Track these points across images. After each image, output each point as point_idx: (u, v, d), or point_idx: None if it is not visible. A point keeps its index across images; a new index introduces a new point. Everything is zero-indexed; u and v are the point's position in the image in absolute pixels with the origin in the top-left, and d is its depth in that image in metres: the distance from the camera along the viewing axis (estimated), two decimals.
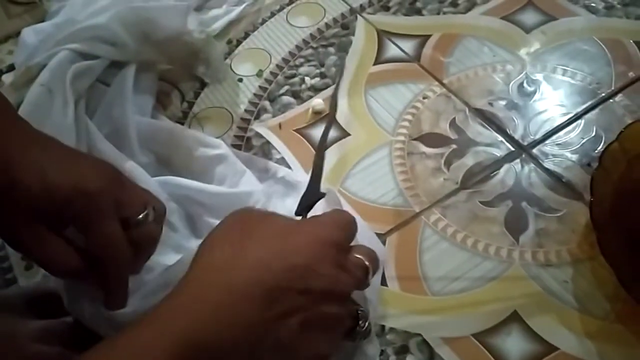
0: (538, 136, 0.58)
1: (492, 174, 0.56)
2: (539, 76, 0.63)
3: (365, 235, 0.51)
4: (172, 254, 0.53)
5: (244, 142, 0.62)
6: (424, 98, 0.63)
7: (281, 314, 0.34)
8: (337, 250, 0.37)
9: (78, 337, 0.46)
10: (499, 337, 0.46)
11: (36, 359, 0.45)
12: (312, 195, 0.46)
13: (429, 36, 0.69)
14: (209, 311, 0.33)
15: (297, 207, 0.45)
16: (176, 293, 0.35)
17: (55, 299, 0.48)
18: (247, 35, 0.72)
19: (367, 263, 0.39)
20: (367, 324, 0.40)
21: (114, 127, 0.59)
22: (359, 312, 0.40)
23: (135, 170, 0.55)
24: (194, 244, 0.53)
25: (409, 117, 0.62)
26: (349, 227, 0.40)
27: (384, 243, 0.53)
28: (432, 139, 0.59)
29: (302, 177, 0.56)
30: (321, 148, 0.52)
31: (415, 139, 0.60)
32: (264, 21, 0.74)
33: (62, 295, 0.48)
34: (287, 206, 0.55)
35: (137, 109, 0.60)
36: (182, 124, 0.64)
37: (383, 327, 0.48)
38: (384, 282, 0.50)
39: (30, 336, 0.46)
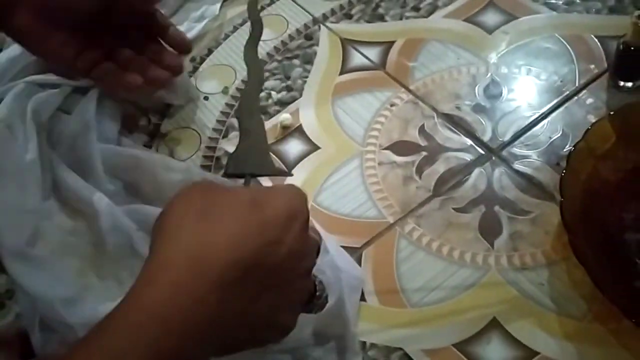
0: (507, 138, 0.58)
1: (464, 179, 0.56)
2: (504, 77, 0.63)
3: (341, 258, 0.51)
4: None
5: (213, 162, 0.61)
6: (391, 105, 0.63)
7: (255, 293, 0.33)
8: (303, 225, 0.36)
9: None
10: (480, 345, 0.46)
11: None
12: (263, 162, 0.43)
13: (393, 42, 0.69)
14: (182, 316, 0.31)
15: (235, 165, 0.41)
16: (145, 281, 0.32)
17: (26, 341, 0.48)
18: (210, 51, 0.72)
19: (316, 236, 0.39)
20: (323, 295, 0.40)
21: (78, 156, 0.57)
22: (316, 284, 0.39)
23: (101, 201, 0.54)
24: None
25: (378, 126, 0.61)
26: (306, 201, 0.39)
27: (360, 257, 0.52)
28: (402, 147, 0.59)
29: None
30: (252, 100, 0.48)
31: (385, 148, 0.59)
32: (226, 36, 0.73)
33: (30, 336, 0.47)
34: None
35: (101, 136, 0.59)
36: (150, 147, 0.63)
37: (364, 343, 0.47)
38: (362, 297, 0.50)
39: None
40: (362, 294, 0.50)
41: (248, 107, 0.47)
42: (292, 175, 0.44)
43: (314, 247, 0.39)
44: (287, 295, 0.36)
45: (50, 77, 0.59)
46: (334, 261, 0.49)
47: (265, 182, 0.57)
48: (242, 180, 0.48)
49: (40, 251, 0.50)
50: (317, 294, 0.40)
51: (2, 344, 0.49)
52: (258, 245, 0.33)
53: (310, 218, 0.39)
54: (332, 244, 0.52)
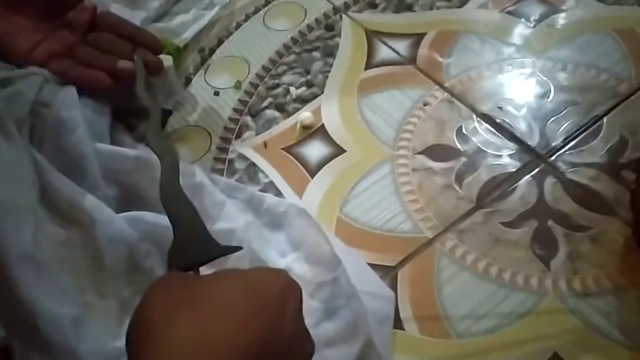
0: (556, 142, 0.52)
1: (511, 189, 0.49)
2: (550, 74, 0.57)
3: (362, 275, 0.45)
4: None
5: (225, 166, 0.54)
6: (424, 105, 0.56)
7: None
8: (299, 303, 0.33)
9: None
10: None
11: None
12: (207, 246, 0.39)
13: (423, 34, 0.62)
14: None
15: (177, 258, 0.38)
16: None
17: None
18: (220, 42, 0.65)
19: None
20: None
21: (68, 157, 0.50)
22: None
23: (97, 208, 0.47)
24: None
25: (410, 127, 0.55)
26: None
27: (395, 277, 0.46)
28: (439, 152, 0.53)
29: (291, 207, 0.49)
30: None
31: (419, 153, 0.53)
32: (238, 25, 0.66)
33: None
34: (276, 242, 0.48)
35: (92, 134, 0.52)
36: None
37: None
38: (399, 324, 0.43)
39: None
40: (400, 320, 0.43)
41: (170, 196, 0.42)
42: (241, 248, 0.39)
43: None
44: None
45: (11, 72, 0.52)
46: (356, 290, 0.43)
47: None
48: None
49: (45, 257, 0.42)
50: None
51: None
52: (258, 332, 0.30)
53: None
54: (355, 262, 0.46)
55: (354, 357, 0.38)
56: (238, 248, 0.39)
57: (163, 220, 0.47)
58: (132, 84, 0.53)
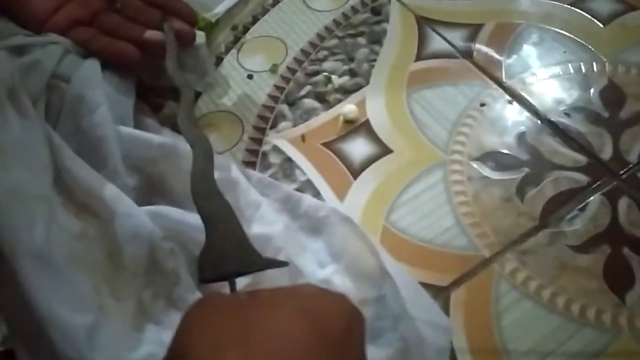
0: (631, 158, 0.47)
1: (580, 208, 0.44)
2: (624, 80, 0.51)
3: (416, 297, 0.40)
4: (171, 313, 0.40)
5: (258, 159, 0.49)
6: (481, 105, 0.51)
7: None
8: (363, 336, 0.28)
9: None
10: None
11: None
12: (247, 255, 0.34)
13: (481, 25, 0.57)
14: None
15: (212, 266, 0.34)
16: None
17: None
18: (255, 20, 0.59)
19: None
20: None
21: (86, 141, 0.45)
22: None
23: (117, 198, 0.42)
24: None
25: (466, 129, 0.50)
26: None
27: (447, 299, 0.41)
28: (498, 160, 0.47)
29: (333, 212, 0.44)
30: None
31: (475, 159, 0.48)
32: (275, 2, 0.60)
33: None
34: (314, 251, 0.43)
35: (114, 115, 0.47)
36: (179, 132, 0.51)
37: None
38: (452, 355, 0.39)
39: None
40: (452, 351, 0.39)
41: (203, 191, 0.37)
42: (287, 264, 0.34)
43: None
44: None
45: (28, 39, 0.46)
46: (412, 312, 0.38)
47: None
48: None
49: (58, 254, 0.37)
50: None
51: None
52: None
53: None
54: (408, 282, 0.41)
55: None
56: (283, 263, 0.34)
57: (190, 218, 0.42)
58: (160, 59, 0.48)
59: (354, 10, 0.59)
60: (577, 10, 0.57)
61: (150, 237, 0.41)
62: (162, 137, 0.46)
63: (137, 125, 0.48)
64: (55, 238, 0.39)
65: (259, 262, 0.34)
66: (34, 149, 0.41)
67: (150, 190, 0.46)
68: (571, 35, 0.55)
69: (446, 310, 0.40)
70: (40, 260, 0.36)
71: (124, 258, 0.40)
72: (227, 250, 0.35)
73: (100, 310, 0.38)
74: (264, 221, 0.43)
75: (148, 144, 0.45)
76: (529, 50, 0.54)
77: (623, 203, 0.44)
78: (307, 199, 0.45)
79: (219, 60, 0.56)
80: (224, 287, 0.37)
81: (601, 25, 0.55)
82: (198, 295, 0.42)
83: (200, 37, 0.50)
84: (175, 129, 0.51)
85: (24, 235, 0.36)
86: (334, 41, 0.57)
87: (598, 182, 0.46)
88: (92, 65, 0.46)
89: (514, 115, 0.50)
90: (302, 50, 0.56)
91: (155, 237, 0.41)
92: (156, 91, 0.52)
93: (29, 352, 0.36)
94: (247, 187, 0.44)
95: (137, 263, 0.41)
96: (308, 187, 0.47)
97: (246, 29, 0.58)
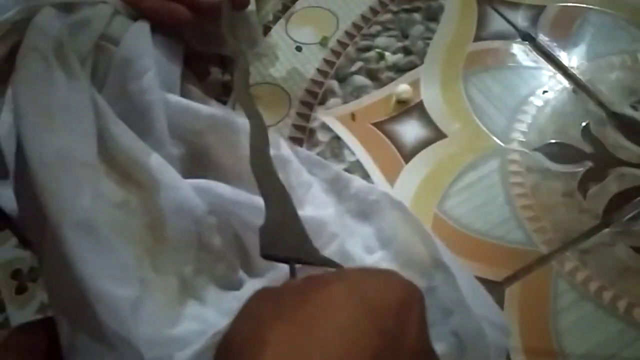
0: None
1: None
2: None
3: (473, 292, 0.38)
4: (212, 291, 0.39)
5: (305, 136, 0.48)
6: (544, 93, 0.49)
7: None
8: (423, 316, 0.27)
9: None
10: None
11: None
12: (304, 244, 0.33)
13: (544, 7, 0.54)
14: None
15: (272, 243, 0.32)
16: None
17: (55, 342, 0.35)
18: None
19: None
20: None
21: (131, 107, 0.43)
22: None
23: (162, 168, 0.40)
24: (248, 284, 0.40)
25: (526, 118, 0.47)
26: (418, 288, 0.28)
27: (502, 295, 0.39)
28: (560, 152, 0.45)
29: (383, 196, 0.43)
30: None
31: (536, 150, 0.46)
32: None
33: (63, 346, 0.35)
34: (362, 235, 0.42)
35: (161, 82, 0.45)
36: (224, 102, 0.49)
37: None
38: (507, 356, 0.37)
39: None
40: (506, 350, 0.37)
41: (261, 165, 0.35)
42: (342, 267, 0.33)
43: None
44: None
45: None
46: (470, 305, 0.36)
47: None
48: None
49: (101, 225, 0.36)
50: None
51: (24, 339, 0.37)
52: (376, 344, 0.24)
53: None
54: (463, 275, 0.39)
55: None
56: (339, 266, 0.33)
57: (236, 194, 0.41)
58: (210, 24, 0.46)
59: None
60: None
61: (195, 212, 0.39)
62: (211, 109, 0.45)
63: (183, 94, 0.47)
64: (98, 207, 0.38)
65: (317, 257, 0.32)
66: (80, 113, 0.40)
67: (194, 162, 0.44)
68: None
69: (500, 306, 0.39)
70: (85, 229, 0.35)
71: (166, 231, 0.39)
72: (287, 234, 0.34)
73: (143, 284, 0.37)
74: (315, 203, 0.41)
75: (196, 114, 0.44)
76: (594, 37, 0.52)
77: None
78: (357, 180, 0.44)
79: (266, 30, 0.54)
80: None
81: None
82: (241, 274, 0.41)
83: (251, 4, 0.48)
84: (220, 99, 0.49)
85: (70, 203, 0.35)
86: (388, 16, 0.55)
87: None
88: (142, 29, 0.44)
89: (578, 105, 0.48)
90: (354, 23, 0.54)
91: (199, 211, 0.40)
92: (201, 59, 0.51)
93: (69, 322, 0.35)
94: (298, 166, 0.42)
95: (180, 237, 0.39)
96: (357, 168, 0.46)
97: None
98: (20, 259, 0.43)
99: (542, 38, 0.52)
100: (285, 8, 0.56)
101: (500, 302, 0.39)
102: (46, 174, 0.37)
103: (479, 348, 0.35)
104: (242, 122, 0.44)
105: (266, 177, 0.36)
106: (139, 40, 0.44)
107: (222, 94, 0.50)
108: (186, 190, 0.40)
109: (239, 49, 0.45)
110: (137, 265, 0.38)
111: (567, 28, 0.52)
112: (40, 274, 0.43)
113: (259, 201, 0.37)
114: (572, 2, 0.54)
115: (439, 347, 0.36)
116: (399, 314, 0.25)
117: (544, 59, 0.51)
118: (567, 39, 0.52)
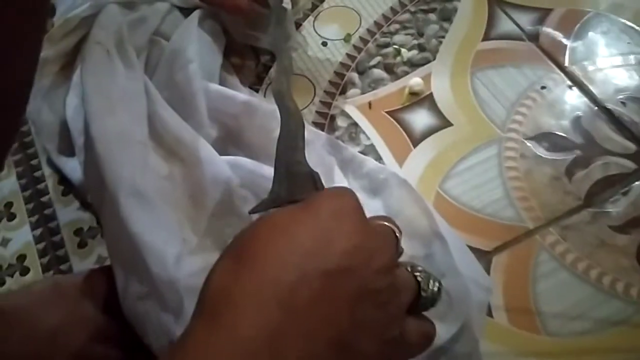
0: None
1: (624, 192, 0.49)
2: None
3: (464, 257, 0.46)
4: None
5: (327, 121, 0.56)
6: (542, 88, 0.56)
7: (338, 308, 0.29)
8: (358, 217, 0.32)
9: (134, 341, 0.43)
10: None
11: (84, 358, 0.42)
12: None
13: (550, 10, 0.61)
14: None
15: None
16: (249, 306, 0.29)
17: (112, 285, 0.44)
18: None
19: (390, 225, 0.35)
20: (430, 286, 0.34)
21: (178, 94, 0.52)
22: (417, 275, 0.34)
23: (201, 146, 0.49)
24: None
25: (524, 110, 0.55)
26: (354, 195, 0.34)
27: (489, 263, 0.47)
28: (552, 141, 0.53)
29: (392, 175, 0.50)
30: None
31: (530, 139, 0.53)
32: None
33: (118, 289, 0.44)
34: (371, 208, 0.50)
35: (203, 72, 0.54)
36: (257, 91, 0.58)
37: None
38: (488, 311, 0.45)
39: (84, 331, 0.43)
40: (489, 307, 0.45)
41: (291, 158, 0.39)
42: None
43: (386, 239, 0.33)
44: (373, 302, 0.31)
45: None
46: (460, 269, 0.44)
47: None
48: None
49: (150, 193, 0.45)
50: (422, 287, 0.35)
51: (84, 286, 0.46)
52: (299, 257, 0.29)
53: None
54: (457, 243, 0.47)
55: (450, 336, 0.40)
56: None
57: (264, 169, 0.49)
58: (252, 25, 0.55)
59: None
60: None
61: (228, 184, 0.48)
62: (245, 96, 0.53)
63: (221, 82, 0.56)
64: (148, 178, 0.46)
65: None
66: (135, 98, 0.49)
67: (229, 141, 0.53)
68: (638, 28, 0.59)
69: (487, 271, 0.46)
70: (137, 196, 0.44)
71: (204, 200, 0.48)
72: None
73: (184, 243, 0.45)
74: (333, 179, 0.49)
75: (232, 100, 0.53)
76: (594, 39, 0.58)
77: None
78: (370, 161, 0.52)
79: (296, 26, 0.62)
80: None
81: None
82: None
83: (287, 2, 0.57)
84: (253, 87, 0.58)
85: (125, 174, 0.44)
86: (406, 15, 0.62)
87: None
88: (190, 26, 0.53)
89: (572, 100, 0.55)
90: (375, 22, 0.62)
91: (232, 183, 0.48)
92: (238, 52, 0.59)
93: (124, 271, 0.44)
94: (319, 147, 0.51)
95: (217, 205, 0.48)
96: (371, 150, 0.54)
97: None
98: (82, 220, 0.52)
99: (546, 38, 0.59)
100: (314, 7, 0.64)
101: (487, 268, 0.47)
102: (107, 150, 0.46)
103: (464, 304, 0.43)
104: (272, 108, 0.52)
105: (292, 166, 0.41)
106: (186, 37, 0.53)
107: (255, 83, 0.58)
108: (221, 165, 0.49)
109: (282, 47, 0.52)
110: (179, 227, 0.47)
111: (569, 30, 0.59)
112: (101, 232, 0.52)
113: None
114: (575, 6, 0.61)
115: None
116: (332, 220, 0.31)
117: (546, 57, 0.58)
118: (568, 40, 0.59)
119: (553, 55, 0.58)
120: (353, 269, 0.30)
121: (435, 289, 0.35)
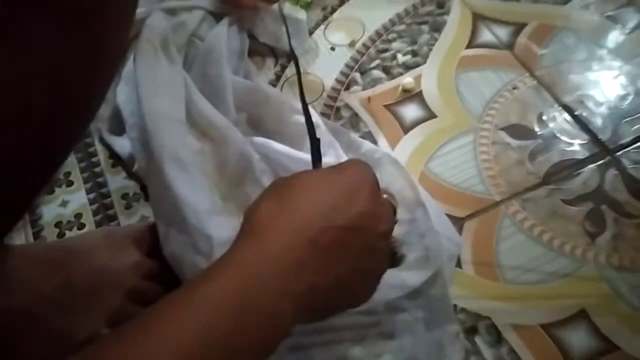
0: (625, 140, 0.61)
1: (576, 174, 0.60)
2: (632, 80, 0.66)
3: (441, 221, 0.56)
4: None
5: (333, 112, 0.67)
6: (513, 88, 0.67)
7: (340, 256, 0.38)
8: (372, 189, 0.41)
9: (172, 279, 0.53)
10: (565, 330, 0.51)
11: (133, 291, 0.52)
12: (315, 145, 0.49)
13: (524, 25, 0.72)
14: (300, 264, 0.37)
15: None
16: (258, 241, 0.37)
17: (154, 236, 0.55)
18: (342, 3, 0.76)
19: (391, 199, 0.46)
20: (400, 252, 0.49)
21: (210, 85, 0.64)
22: (394, 243, 0.47)
23: (228, 128, 0.60)
24: None
25: (497, 105, 0.65)
26: (372, 170, 0.43)
27: (461, 227, 0.58)
28: (518, 131, 0.63)
29: (385, 155, 0.61)
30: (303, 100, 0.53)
31: (501, 129, 0.64)
32: None
33: (160, 238, 0.54)
34: None
35: (230, 68, 0.65)
36: (274, 86, 0.69)
37: (455, 306, 0.53)
38: (459, 264, 0.55)
39: (132, 270, 0.53)
40: (459, 261, 0.55)
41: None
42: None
43: (388, 211, 0.44)
44: (370, 257, 0.41)
45: (183, 3, 0.65)
46: (435, 228, 0.55)
47: None
48: None
49: (187, 161, 0.56)
50: (395, 252, 0.47)
51: (132, 235, 0.56)
52: (327, 209, 0.38)
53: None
54: (436, 210, 0.57)
55: (425, 279, 0.50)
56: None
57: (282, 148, 0.60)
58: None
59: (423, 2, 0.75)
60: (608, 20, 0.71)
61: (250, 159, 0.59)
62: (265, 88, 0.65)
63: (245, 77, 0.67)
64: (185, 152, 0.58)
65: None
66: (176, 86, 0.61)
67: (251, 125, 0.64)
68: (598, 40, 0.69)
69: (460, 233, 0.57)
70: (178, 161, 0.55)
71: (229, 171, 0.59)
72: None
73: (213, 204, 0.56)
74: (334, 156, 0.60)
75: (254, 92, 0.64)
76: (560, 48, 0.69)
77: (610, 173, 0.59)
78: (367, 144, 0.63)
79: (309, 34, 0.73)
80: None
81: (625, 34, 0.70)
82: None
83: (302, 14, 0.68)
84: (271, 83, 0.69)
85: (167, 144, 0.55)
86: (403, 27, 0.73)
87: (594, 156, 0.61)
88: (221, 29, 0.64)
89: (538, 98, 0.65)
90: (376, 31, 0.73)
91: (253, 159, 0.59)
92: (260, 52, 0.71)
93: (165, 222, 0.55)
94: (324, 131, 0.62)
95: (239, 176, 0.59)
96: (368, 136, 0.64)
97: (333, 10, 0.76)
98: (128, 186, 0.63)
99: (519, 48, 0.70)
100: (325, 18, 0.75)
101: (460, 231, 0.57)
102: (155, 124, 0.57)
103: (438, 256, 0.53)
104: (286, 98, 0.64)
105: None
106: (217, 39, 0.64)
107: (273, 79, 0.69)
108: (244, 143, 0.60)
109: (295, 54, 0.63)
110: (209, 192, 0.57)
111: (540, 41, 0.70)
112: (144, 196, 0.62)
113: (297, 154, 0.57)
114: (546, 22, 0.72)
115: (413, 256, 0.54)
116: (352, 189, 0.39)
117: (519, 62, 0.68)
118: (538, 49, 0.69)
119: (525, 61, 0.69)
120: (364, 228, 0.39)
121: (400, 255, 0.48)
